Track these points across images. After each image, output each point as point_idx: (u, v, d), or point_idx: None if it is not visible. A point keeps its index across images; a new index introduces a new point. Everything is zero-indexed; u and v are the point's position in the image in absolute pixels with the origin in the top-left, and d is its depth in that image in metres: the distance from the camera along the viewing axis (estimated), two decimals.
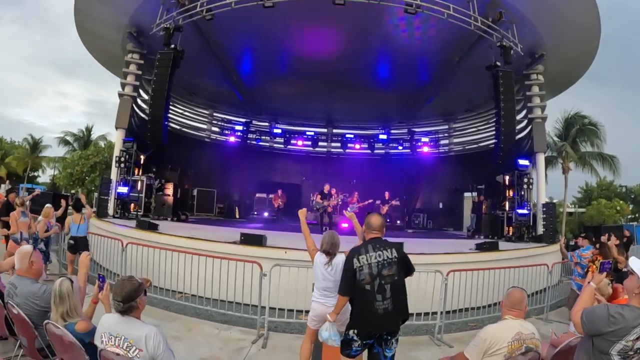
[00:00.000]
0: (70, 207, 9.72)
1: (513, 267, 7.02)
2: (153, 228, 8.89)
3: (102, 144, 33.82)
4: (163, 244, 7.35)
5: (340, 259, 4.02)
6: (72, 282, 3.14)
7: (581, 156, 24.43)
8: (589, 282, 2.96)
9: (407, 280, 3.62)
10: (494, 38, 10.81)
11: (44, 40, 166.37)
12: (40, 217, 8.09)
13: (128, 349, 2.56)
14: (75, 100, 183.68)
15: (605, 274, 3.09)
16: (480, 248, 8.52)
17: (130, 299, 2.59)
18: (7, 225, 8.45)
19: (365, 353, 3.63)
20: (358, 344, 3.48)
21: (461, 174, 18.36)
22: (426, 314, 6.02)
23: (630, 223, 28.70)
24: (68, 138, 34.91)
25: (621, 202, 34.61)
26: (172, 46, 10.96)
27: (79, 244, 7.71)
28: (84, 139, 35.15)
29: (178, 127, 18.60)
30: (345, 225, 13.52)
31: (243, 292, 6.05)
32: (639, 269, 2.55)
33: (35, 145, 37.37)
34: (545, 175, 24.99)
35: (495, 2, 10.81)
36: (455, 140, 20.05)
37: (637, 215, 40.51)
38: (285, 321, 6.01)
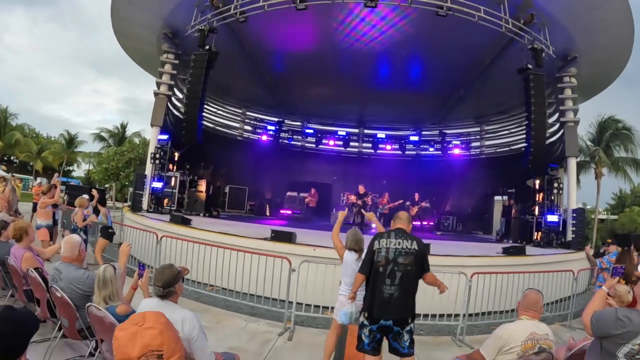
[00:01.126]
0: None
1: (538, 272, 7.05)
2: (186, 223, 9.28)
3: (136, 140, 34.90)
4: (196, 238, 7.66)
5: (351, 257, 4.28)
6: (115, 268, 3.44)
7: (614, 161, 23.83)
8: (601, 287, 3.06)
9: None
10: (526, 40, 10.69)
11: (80, 39, 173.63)
12: (76, 208, 8.57)
13: None
14: (110, 98, 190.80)
15: (617, 278, 3.17)
16: (507, 252, 8.55)
17: (169, 284, 2.85)
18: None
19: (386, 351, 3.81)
20: (368, 330, 3.69)
21: (492, 177, 18.13)
22: (449, 315, 6.14)
23: None
24: (103, 134, 36.19)
25: None
26: (207, 47, 11.32)
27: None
28: (119, 136, 36.31)
29: (211, 125, 19.09)
30: (373, 225, 13.68)
31: (272, 287, 6.32)
32: None
33: (71, 141, 38.98)
34: (578, 180, 24.49)
35: (526, 3, 10.70)
36: (487, 143, 19.92)
37: None
38: (311, 316, 6.26)
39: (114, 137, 36.18)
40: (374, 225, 13.74)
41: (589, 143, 24.14)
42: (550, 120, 14.26)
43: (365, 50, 13.51)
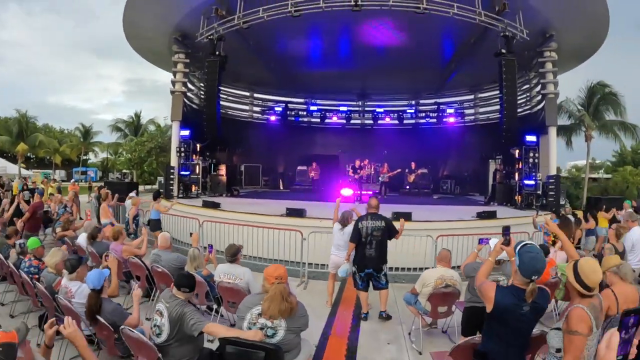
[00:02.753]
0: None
1: (497, 234, 9.12)
2: (216, 206, 11.57)
3: (151, 127, 37.34)
4: (227, 218, 9.99)
5: (349, 228, 6.52)
6: (198, 249, 5.75)
7: (604, 124, 25.09)
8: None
9: (404, 240, 6.75)
10: (499, 28, 12.41)
11: (77, 26, 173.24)
12: (130, 204, 10.88)
13: (234, 279, 5.09)
14: (114, 81, 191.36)
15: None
16: (480, 216, 10.55)
17: (234, 254, 5.17)
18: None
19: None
20: (358, 276, 6.22)
21: (486, 143, 19.45)
22: (421, 268, 8.34)
23: None
24: (119, 125, 38.47)
25: None
26: (217, 53, 13.34)
27: (153, 225, 10.45)
28: (134, 124, 38.59)
29: (223, 110, 21.13)
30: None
31: (289, 252, 8.64)
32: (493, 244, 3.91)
33: (87, 133, 41.28)
34: (570, 142, 26.14)
35: None
36: (481, 110, 21.63)
37: None
38: (320, 271, 8.62)
39: (130, 126, 38.47)
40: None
41: (579, 107, 25.47)
42: (535, 92, 16.07)
43: (362, 30, 14.73)
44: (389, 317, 6.27)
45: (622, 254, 5.75)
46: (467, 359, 3.37)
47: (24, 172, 34.18)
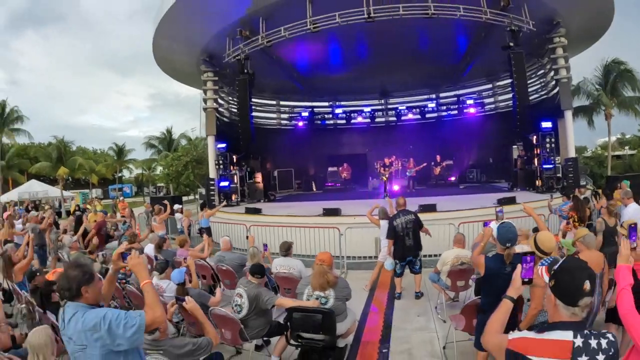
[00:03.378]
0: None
1: (517, 218, 9.89)
2: (258, 212, 12.91)
3: (182, 141, 39.55)
4: (270, 222, 11.33)
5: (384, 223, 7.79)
6: (256, 248, 7.02)
7: (621, 101, 25.41)
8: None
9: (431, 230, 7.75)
10: (505, 24, 13.23)
11: (95, 45, 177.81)
12: (182, 216, 12.34)
13: (289, 269, 6.34)
14: (137, 97, 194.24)
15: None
16: (500, 202, 11.50)
17: (288, 249, 6.44)
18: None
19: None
20: (398, 265, 7.42)
21: (507, 130, 19.18)
22: None
23: None
24: (153, 142, 41.08)
25: None
26: (246, 71, 14.69)
27: (204, 231, 11.72)
28: (167, 140, 41.12)
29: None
30: (396, 187, 16.89)
31: (329, 247, 9.73)
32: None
33: (120, 151, 43.79)
34: (592, 121, 26.48)
35: None
36: (500, 98, 22.37)
37: None
38: (357, 262, 9.92)
39: (163, 142, 40.96)
40: (396, 188, 17.00)
41: (597, 86, 25.87)
42: (548, 77, 16.82)
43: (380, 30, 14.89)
44: (422, 295, 7.52)
45: (613, 228, 6.54)
46: (473, 315, 4.52)
47: (65, 193, 36.46)
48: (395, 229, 7.39)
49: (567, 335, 1.98)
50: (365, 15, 12.32)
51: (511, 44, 13.59)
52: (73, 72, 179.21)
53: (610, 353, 1.97)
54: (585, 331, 1.99)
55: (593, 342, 1.95)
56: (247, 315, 4.87)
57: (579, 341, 1.95)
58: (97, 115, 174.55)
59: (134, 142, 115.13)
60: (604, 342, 1.97)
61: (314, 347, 4.46)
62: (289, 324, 4.57)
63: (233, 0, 13.34)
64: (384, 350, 5.50)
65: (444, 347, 5.48)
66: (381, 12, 12.45)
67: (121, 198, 25.61)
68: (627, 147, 41.70)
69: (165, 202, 12.80)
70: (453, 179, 20.57)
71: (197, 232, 12.45)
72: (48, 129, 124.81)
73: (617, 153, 35.37)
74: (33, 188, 32.73)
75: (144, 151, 42.29)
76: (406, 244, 7.39)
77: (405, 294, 7.61)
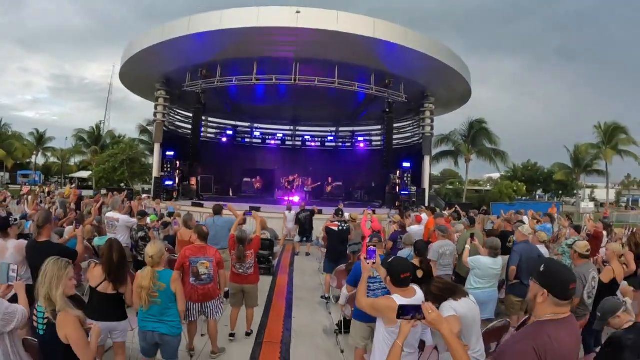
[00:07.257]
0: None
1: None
2: (201, 205, 18.83)
3: (108, 139, 44.19)
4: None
5: (294, 212, 14.40)
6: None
7: (480, 150, 35.41)
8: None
9: (317, 224, 14.35)
10: (386, 96, 20.36)
11: (3, 14, 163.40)
12: (154, 204, 17.90)
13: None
14: (39, 76, 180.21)
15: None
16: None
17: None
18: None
19: None
20: (300, 237, 14.21)
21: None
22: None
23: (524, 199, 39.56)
24: (82, 135, 44.97)
25: (520, 183, 44.82)
26: (202, 102, 20.60)
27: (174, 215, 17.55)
28: (95, 134, 45.35)
29: (182, 131, 27.72)
30: (296, 199, 23.33)
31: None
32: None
33: (40, 138, 46.74)
34: (457, 162, 36.15)
35: (386, 73, 20.07)
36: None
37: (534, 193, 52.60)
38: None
39: (91, 136, 44.96)
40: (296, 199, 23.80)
41: (462, 137, 35.90)
42: (417, 131, 24.68)
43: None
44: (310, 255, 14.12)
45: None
46: (343, 276, 11.22)
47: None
48: (300, 219, 13.84)
49: None
50: (292, 80, 18.92)
51: (387, 110, 20.96)
52: None
53: None
54: None
55: None
56: None
57: None
58: None
59: (25, 123, 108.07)
60: None
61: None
62: None
63: (201, 50, 18.92)
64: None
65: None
66: (303, 80, 19.11)
67: (28, 185, 29.53)
68: (488, 185, 53.46)
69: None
70: (340, 197, 27.64)
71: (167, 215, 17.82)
72: None
73: (476, 188, 46.28)
74: None
75: (64, 142, 45.53)
76: (305, 228, 13.88)
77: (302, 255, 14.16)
